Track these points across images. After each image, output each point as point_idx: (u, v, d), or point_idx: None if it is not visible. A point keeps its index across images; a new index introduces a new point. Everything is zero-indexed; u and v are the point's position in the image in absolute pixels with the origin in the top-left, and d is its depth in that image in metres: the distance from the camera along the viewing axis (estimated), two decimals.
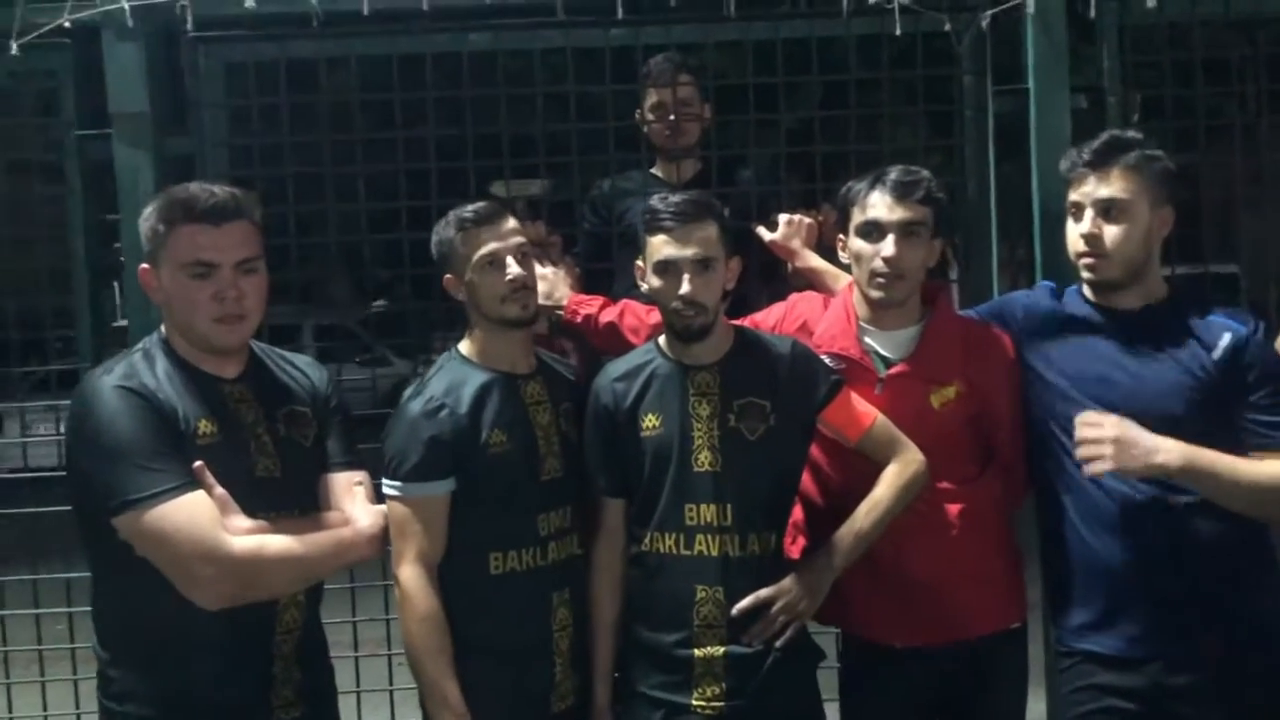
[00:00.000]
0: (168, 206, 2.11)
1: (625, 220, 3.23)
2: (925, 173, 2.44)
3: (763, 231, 2.95)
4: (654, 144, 3.36)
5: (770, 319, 2.59)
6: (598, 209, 3.40)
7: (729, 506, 2.29)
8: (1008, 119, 3.04)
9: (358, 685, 3.25)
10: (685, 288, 2.27)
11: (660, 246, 2.30)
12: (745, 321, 2.54)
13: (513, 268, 2.31)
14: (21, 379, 3.58)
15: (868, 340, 2.47)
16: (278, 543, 2.04)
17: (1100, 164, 2.34)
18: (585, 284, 3.02)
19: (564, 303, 2.81)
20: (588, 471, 2.39)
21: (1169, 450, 2.18)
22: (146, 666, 2.07)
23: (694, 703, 2.28)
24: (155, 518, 1.95)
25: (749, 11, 3.26)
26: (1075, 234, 2.38)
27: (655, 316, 2.54)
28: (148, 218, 2.12)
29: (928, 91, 3.28)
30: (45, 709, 3.38)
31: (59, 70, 3.12)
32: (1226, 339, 2.29)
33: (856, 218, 2.43)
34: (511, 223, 2.36)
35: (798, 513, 2.51)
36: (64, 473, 2.11)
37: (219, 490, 2.01)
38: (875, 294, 2.42)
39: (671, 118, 3.26)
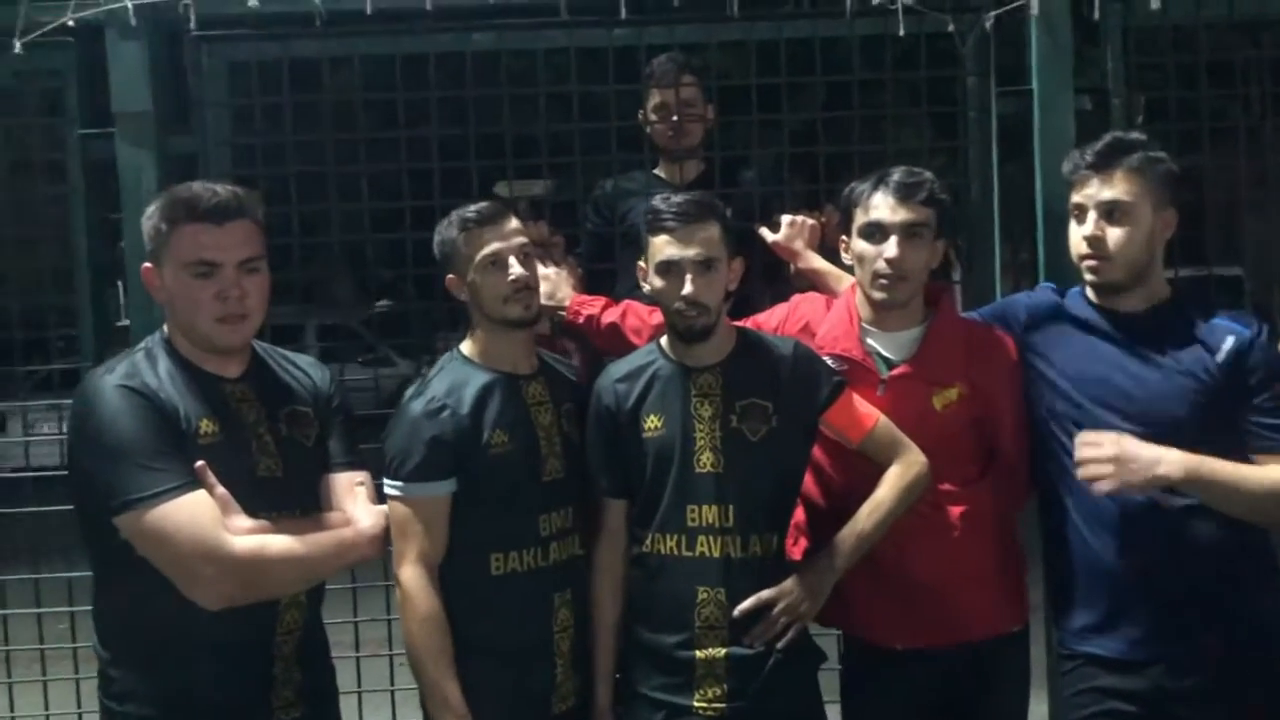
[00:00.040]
0: (170, 205, 2.10)
1: (628, 221, 3.23)
2: (928, 174, 2.43)
3: (765, 232, 2.95)
4: (657, 144, 3.35)
5: (773, 320, 2.59)
6: (600, 209, 3.40)
7: (731, 508, 2.29)
8: (1011, 120, 3.03)
9: (359, 685, 3.25)
10: (688, 288, 2.27)
11: (662, 247, 2.30)
12: (747, 322, 2.54)
13: (515, 268, 2.31)
14: (24, 378, 3.57)
15: (870, 341, 2.46)
16: (279, 543, 2.03)
17: (1103, 166, 2.33)
18: (588, 284, 3.02)
19: (566, 303, 2.81)
20: (589, 472, 2.39)
21: (1171, 462, 2.17)
22: (147, 666, 2.07)
23: (695, 704, 2.28)
24: (156, 517, 1.95)
25: (752, 12, 3.25)
26: (1078, 236, 2.37)
27: (657, 317, 2.54)
28: (150, 217, 2.12)
29: (931, 92, 3.28)
30: (47, 708, 3.38)
31: (62, 69, 3.12)
32: (1230, 342, 2.29)
33: (859, 219, 2.43)
34: (514, 223, 2.36)
35: (799, 514, 2.50)
36: (65, 472, 2.11)
37: (220, 490, 2.01)
38: (878, 295, 2.42)
39: (675, 118, 3.26)
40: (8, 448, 4.47)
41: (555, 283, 2.81)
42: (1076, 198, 2.38)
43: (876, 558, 2.37)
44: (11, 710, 3.40)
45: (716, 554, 2.29)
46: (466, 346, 2.39)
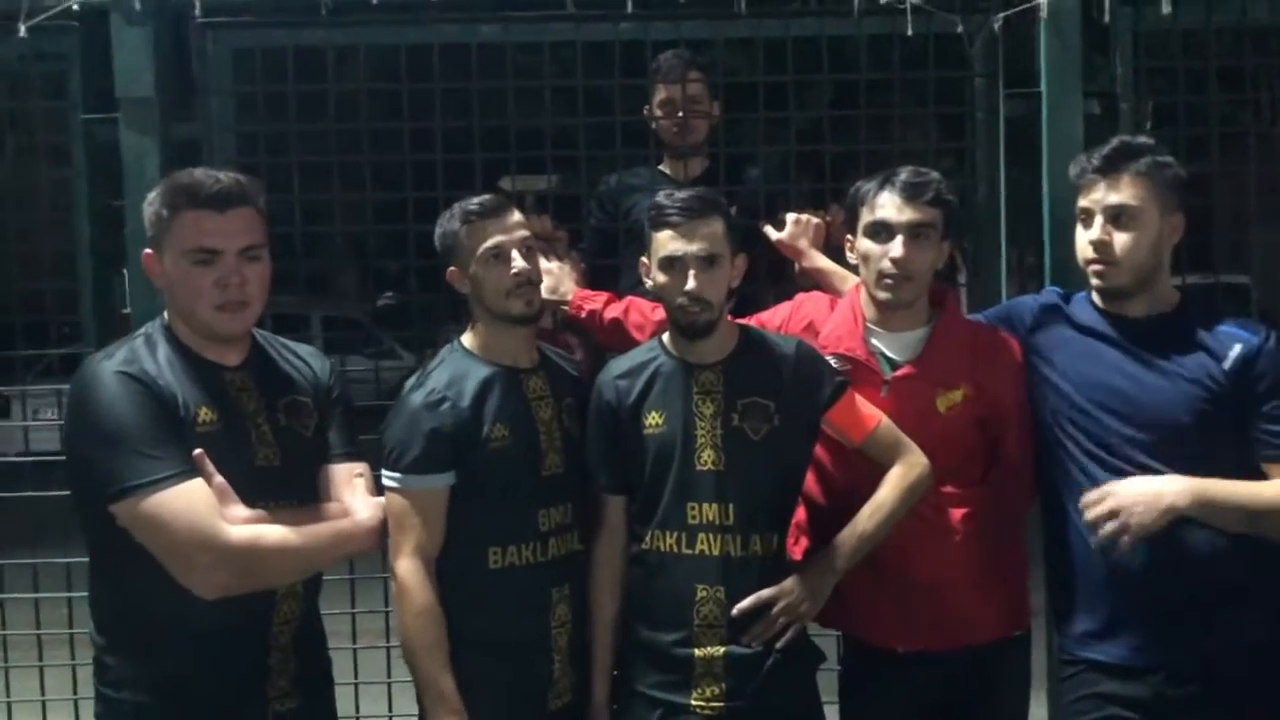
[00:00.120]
0: (172, 192, 2.09)
1: (632, 216, 3.22)
2: (935, 174, 2.42)
3: (770, 230, 2.94)
4: (662, 140, 3.35)
5: (776, 319, 2.58)
6: (604, 205, 3.40)
7: (731, 506, 2.28)
8: (1019, 123, 3.02)
9: (356, 677, 3.25)
10: (690, 284, 2.26)
11: (666, 242, 2.29)
12: (751, 321, 2.53)
13: (517, 261, 2.30)
14: (26, 364, 3.57)
15: (874, 342, 2.45)
16: (275, 533, 2.03)
17: (1110, 170, 2.32)
18: (591, 280, 3.01)
19: (569, 298, 2.80)
20: (589, 468, 2.38)
21: (1177, 492, 2.18)
22: (143, 654, 2.07)
23: (693, 703, 2.27)
24: (153, 505, 1.94)
25: (760, 9, 3.24)
26: (1084, 241, 2.36)
27: (660, 313, 2.53)
28: (152, 203, 2.11)
29: (939, 93, 3.27)
30: (43, 694, 3.38)
31: (67, 53, 3.12)
32: (1237, 349, 2.28)
33: (865, 218, 2.42)
34: (517, 216, 2.35)
35: (800, 513, 2.49)
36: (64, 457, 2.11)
37: (218, 479, 2.00)
38: (883, 295, 2.41)
39: (680, 114, 3.25)
40: (10, 433, 4.46)
41: (558, 277, 2.81)
42: (1083, 202, 2.37)
43: (877, 559, 2.36)
44: (8, 695, 3.40)
45: (716, 552, 2.28)
46: (467, 339, 2.38)
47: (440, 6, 3.04)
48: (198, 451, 2.00)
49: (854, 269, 2.55)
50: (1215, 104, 3.14)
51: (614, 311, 2.74)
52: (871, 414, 2.36)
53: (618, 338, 2.70)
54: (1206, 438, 2.24)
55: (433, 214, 2.46)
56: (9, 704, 3.40)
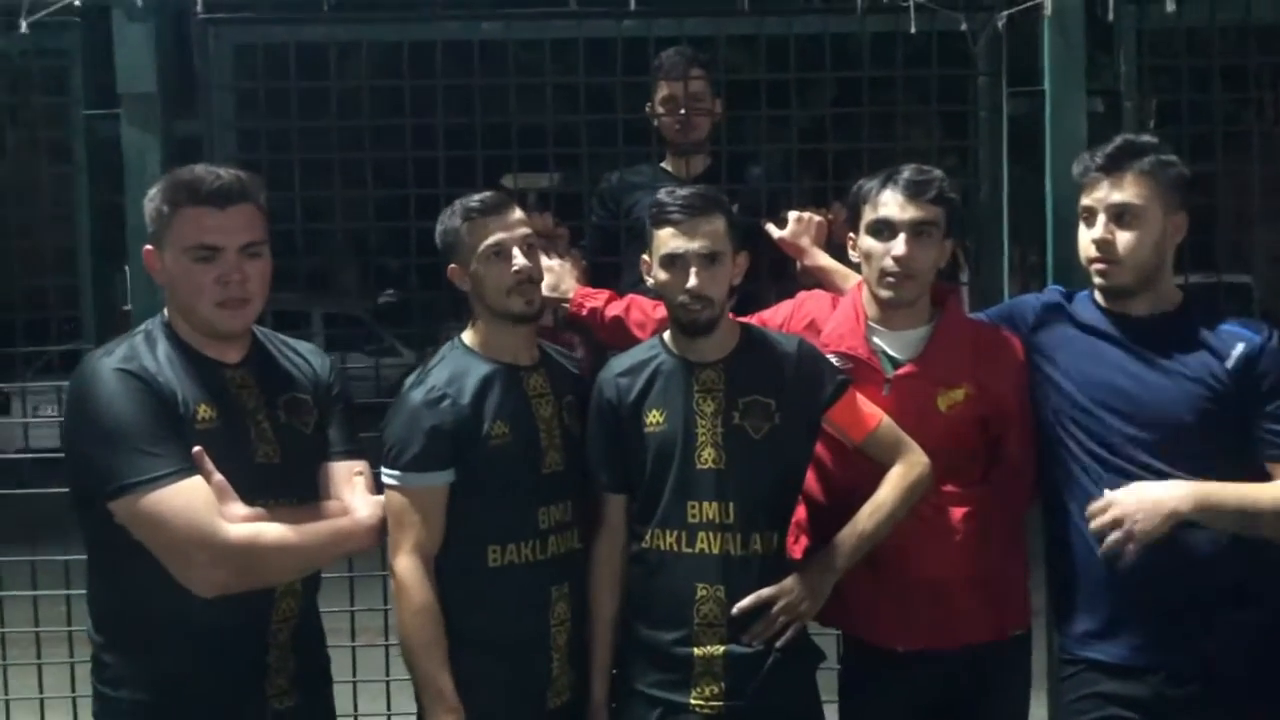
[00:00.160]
0: (172, 188, 2.09)
1: (633, 214, 3.22)
2: (938, 172, 2.42)
3: (772, 228, 2.94)
4: (664, 138, 3.34)
5: (778, 317, 2.57)
6: (606, 202, 3.39)
7: (731, 505, 2.27)
8: (1022, 121, 3.02)
9: (354, 675, 3.24)
10: (691, 281, 2.25)
11: (667, 239, 2.28)
12: (752, 319, 2.53)
13: (518, 259, 2.29)
14: (26, 360, 3.56)
15: (876, 340, 2.45)
16: (274, 531, 2.02)
17: (1113, 169, 2.32)
18: (592, 278, 3.01)
19: (570, 296, 2.79)
20: (589, 466, 2.37)
21: (1179, 497, 2.18)
22: (141, 652, 2.06)
23: (692, 702, 2.26)
24: (152, 502, 1.94)
25: (762, 6, 3.24)
26: (1087, 239, 2.36)
27: (661, 311, 2.52)
28: (152, 199, 2.10)
29: (942, 91, 3.27)
30: (41, 691, 3.38)
31: (68, 49, 3.12)
32: (1240, 348, 2.27)
33: (867, 216, 2.41)
34: (518, 213, 2.35)
35: (801, 512, 2.49)
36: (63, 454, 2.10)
37: (217, 476, 2.00)
38: (885, 293, 2.40)
39: (682, 112, 3.24)
40: (10, 429, 4.47)
41: (559, 275, 2.80)
42: (1086, 200, 2.36)
43: (878, 558, 2.36)
44: (6, 693, 3.40)
45: (716, 551, 2.27)
46: (468, 336, 2.38)
47: (442, 3, 3.04)
48: (197, 449, 1.99)
49: (856, 267, 2.55)
50: (1219, 103, 3.14)
51: (615, 309, 2.74)
52: (872, 413, 2.36)
53: (619, 336, 2.70)
54: (1209, 437, 2.24)
55: (434, 211, 2.46)
56: (7, 701, 3.41)
